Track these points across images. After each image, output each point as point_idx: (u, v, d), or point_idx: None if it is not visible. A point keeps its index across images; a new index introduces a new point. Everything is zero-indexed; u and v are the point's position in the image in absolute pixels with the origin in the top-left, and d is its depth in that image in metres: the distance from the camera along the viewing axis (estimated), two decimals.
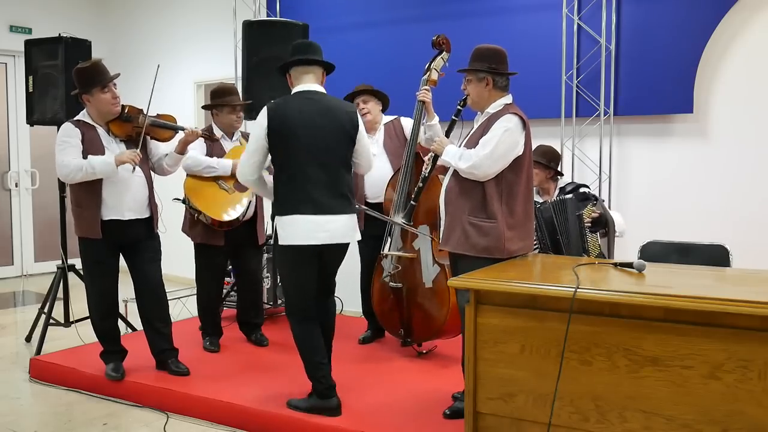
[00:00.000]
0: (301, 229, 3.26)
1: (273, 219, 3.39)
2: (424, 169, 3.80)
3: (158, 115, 3.95)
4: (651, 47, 4.55)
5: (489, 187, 3.12)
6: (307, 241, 3.27)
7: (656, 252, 3.79)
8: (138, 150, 3.72)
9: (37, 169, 7.60)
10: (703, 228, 4.25)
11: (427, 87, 4.10)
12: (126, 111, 3.81)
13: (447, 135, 3.50)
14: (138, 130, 3.80)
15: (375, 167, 4.44)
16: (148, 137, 3.93)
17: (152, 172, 4.00)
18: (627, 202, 4.72)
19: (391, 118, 4.60)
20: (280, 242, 3.32)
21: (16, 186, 7.60)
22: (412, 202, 3.96)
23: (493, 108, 3.23)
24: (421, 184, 3.89)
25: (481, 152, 3.09)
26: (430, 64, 4.15)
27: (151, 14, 7.58)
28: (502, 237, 3.09)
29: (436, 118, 4.20)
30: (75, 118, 3.82)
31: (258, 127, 3.29)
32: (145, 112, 3.85)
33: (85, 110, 3.82)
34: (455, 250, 3.19)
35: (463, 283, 2.72)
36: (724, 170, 4.45)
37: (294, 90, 3.41)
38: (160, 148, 4.05)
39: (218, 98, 4.40)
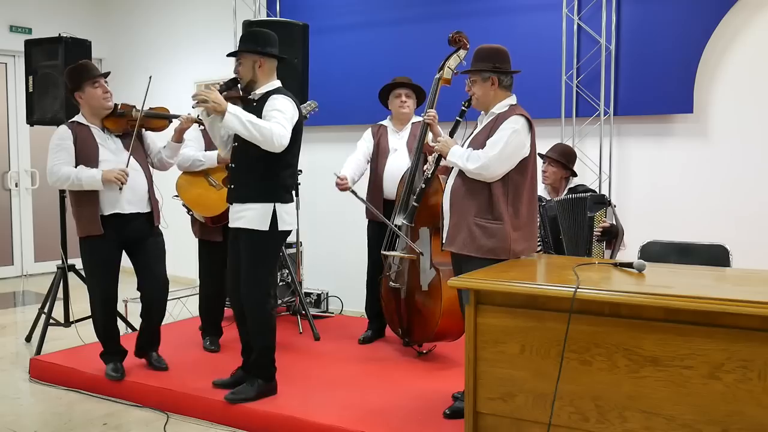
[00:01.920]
0: (294, 215, 3.63)
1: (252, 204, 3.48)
2: (425, 169, 3.79)
3: (151, 108, 3.99)
4: (651, 47, 4.55)
5: (496, 188, 3.12)
6: (294, 225, 3.66)
7: (656, 252, 3.79)
8: (131, 146, 3.78)
9: (37, 169, 7.59)
10: (703, 228, 4.24)
11: (433, 112, 4.05)
12: (119, 107, 3.86)
13: (450, 136, 3.50)
14: (132, 123, 3.85)
15: (396, 164, 4.45)
16: (144, 130, 3.98)
17: (152, 168, 4.03)
18: (627, 202, 4.72)
19: (420, 119, 4.58)
20: (281, 227, 3.48)
21: (16, 186, 7.60)
22: (413, 203, 3.95)
23: (498, 108, 3.23)
24: (423, 185, 3.88)
25: (489, 153, 3.09)
26: (444, 63, 4.03)
27: (151, 14, 7.58)
28: (508, 238, 3.10)
29: (438, 131, 4.15)
30: (70, 120, 3.88)
31: (292, 115, 3.41)
32: (138, 107, 3.87)
33: (80, 112, 3.87)
34: (460, 251, 3.18)
35: (463, 283, 2.71)
36: (725, 170, 4.45)
37: (277, 83, 3.55)
38: (158, 144, 4.07)
39: None
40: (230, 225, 3.54)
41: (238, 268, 3.54)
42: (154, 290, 3.95)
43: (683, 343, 2.34)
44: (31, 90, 4.81)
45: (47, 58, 4.75)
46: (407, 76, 4.53)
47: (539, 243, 3.73)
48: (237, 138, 3.44)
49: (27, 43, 4.93)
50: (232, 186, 3.52)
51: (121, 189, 3.69)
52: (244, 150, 3.42)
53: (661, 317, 2.37)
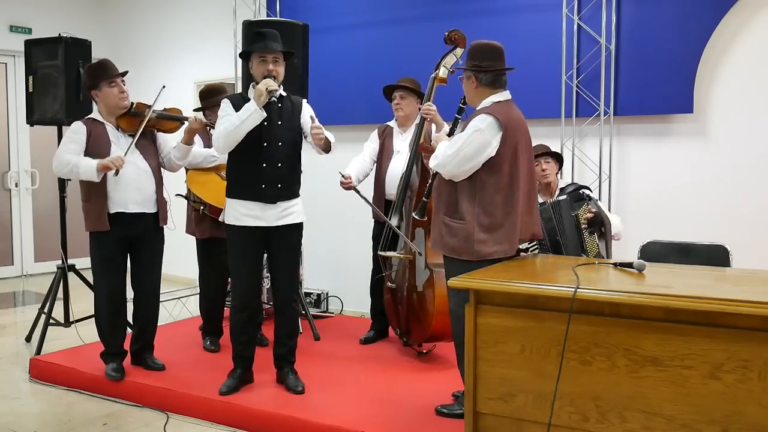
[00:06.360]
0: None
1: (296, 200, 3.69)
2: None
3: (165, 109, 4.06)
4: (651, 47, 4.54)
5: (461, 188, 3.09)
6: None
7: (656, 252, 3.79)
8: (134, 140, 3.81)
9: (37, 169, 7.60)
10: (703, 228, 4.24)
11: (430, 104, 4.03)
12: (134, 106, 3.91)
13: (450, 133, 3.49)
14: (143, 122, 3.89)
15: (398, 165, 4.45)
16: (155, 131, 4.02)
17: (162, 168, 4.06)
18: (627, 202, 4.72)
19: None
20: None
21: (16, 186, 7.60)
22: (424, 198, 3.92)
23: (481, 106, 3.18)
24: (431, 181, 3.87)
25: (447, 151, 3.06)
26: (440, 61, 4.02)
27: (151, 14, 7.58)
28: (471, 238, 3.03)
29: (445, 128, 4.13)
30: (86, 117, 3.94)
31: None
32: (151, 106, 3.91)
33: (96, 109, 3.93)
34: (433, 248, 3.24)
35: (463, 283, 2.71)
36: (724, 170, 4.44)
37: None
38: (169, 144, 4.10)
39: (207, 99, 4.51)
40: (275, 223, 3.57)
41: (260, 267, 3.74)
42: (144, 299, 4.02)
43: (683, 343, 2.34)
44: (31, 90, 4.81)
45: (47, 58, 4.75)
46: (412, 77, 4.52)
47: (536, 246, 3.73)
48: (283, 136, 3.56)
49: (27, 43, 4.93)
50: (280, 186, 3.56)
51: (116, 174, 3.67)
52: (292, 150, 3.63)
53: (661, 317, 2.37)
